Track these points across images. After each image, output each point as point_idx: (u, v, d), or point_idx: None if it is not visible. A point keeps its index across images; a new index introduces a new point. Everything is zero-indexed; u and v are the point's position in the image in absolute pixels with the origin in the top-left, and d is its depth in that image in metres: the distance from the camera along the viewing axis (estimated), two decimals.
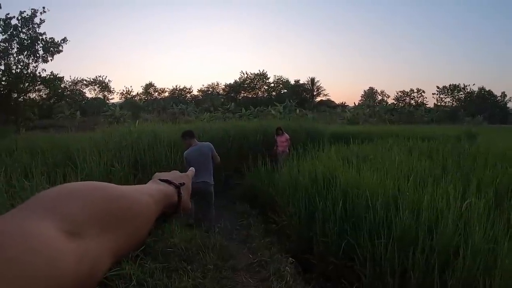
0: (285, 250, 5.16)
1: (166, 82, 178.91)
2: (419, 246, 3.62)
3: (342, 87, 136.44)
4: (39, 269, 0.32)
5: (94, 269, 0.40)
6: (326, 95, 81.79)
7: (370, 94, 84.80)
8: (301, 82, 79.42)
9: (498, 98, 78.94)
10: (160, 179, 0.69)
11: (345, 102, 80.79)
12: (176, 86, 78.25)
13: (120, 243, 0.46)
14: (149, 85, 77.40)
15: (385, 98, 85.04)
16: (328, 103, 75.84)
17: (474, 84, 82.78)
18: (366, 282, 3.87)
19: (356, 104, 72.67)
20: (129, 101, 66.92)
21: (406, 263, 3.65)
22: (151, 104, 65.15)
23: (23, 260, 0.31)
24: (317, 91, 79.89)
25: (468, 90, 78.50)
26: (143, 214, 0.52)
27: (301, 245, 5.10)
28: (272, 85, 78.69)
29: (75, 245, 0.37)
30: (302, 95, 76.04)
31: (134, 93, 76.29)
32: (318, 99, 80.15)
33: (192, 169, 0.88)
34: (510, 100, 78.89)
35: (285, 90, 76.39)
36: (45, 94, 29.38)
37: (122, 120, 33.11)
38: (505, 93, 78.45)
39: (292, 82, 78.67)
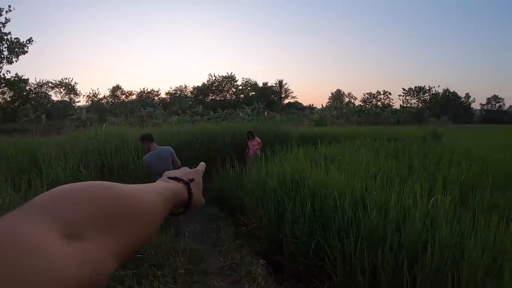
0: (255, 252, 5.15)
1: (133, 84, 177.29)
2: (387, 244, 3.67)
3: (310, 89, 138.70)
4: (39, 273, 0.30)
5: (97, 272, 0.38)
6: (294, 97, 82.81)
7: (337, 96, 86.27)
8: (269, 84, 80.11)
9: (463, 99, 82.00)
10: (168, 177, 0.68)
11: (313, 104, 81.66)
12: (144, 89, 77.41)
13: (123, 243, 0.44)
14: (116, 88, 76.02)
15: (352, 100, 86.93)
16: (296, 105, 76.43)
17: (439, 86, 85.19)
18: (337, 281, 3.89)
19: (324, 106, 73.48)
20: (96, 104, 65.62)
21: (375, 261, 3.69)
22: (118, 107, 63.92)
23: (22, 262, 0.30)
24: (285, 93, 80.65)
25: (433, 92, 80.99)
26: (148, 212, 0.50)
27: (271, 247, 5.10)
28: (240, 87, 79.03)
29: (75, 248, 0.36)
30: (270, 97, 76.40)
31: (101, 96, 74.73)
32: (286, 101, 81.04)
33: (202, 163, 0.86)
34: (474, 101, 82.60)
35: (253, 93, 76.63)
36: (9, 97, 28.62)
37: (88, 124, 32.44)
38: (469, 94, 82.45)
39: (260, 85, 79.07)
